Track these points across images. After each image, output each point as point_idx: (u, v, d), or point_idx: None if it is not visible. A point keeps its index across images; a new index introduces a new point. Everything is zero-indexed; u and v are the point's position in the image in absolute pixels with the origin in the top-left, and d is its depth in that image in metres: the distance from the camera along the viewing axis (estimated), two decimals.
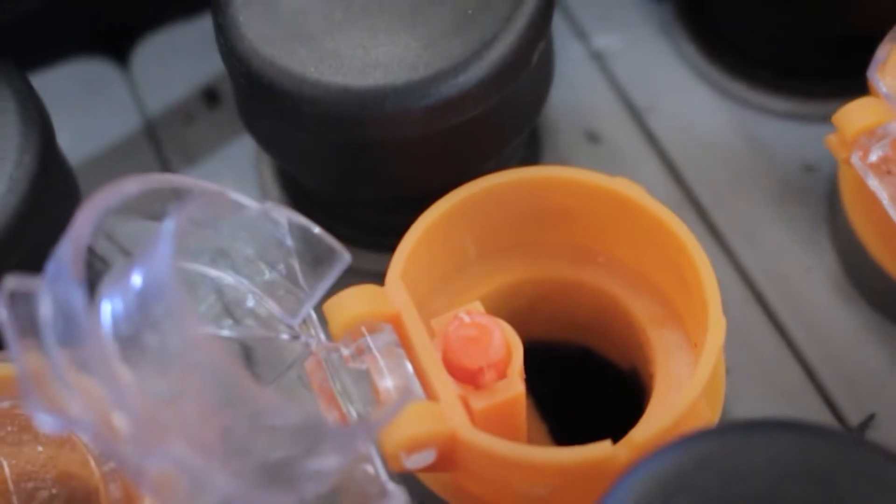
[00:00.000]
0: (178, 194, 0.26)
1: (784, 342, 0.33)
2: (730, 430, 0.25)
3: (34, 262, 0.25)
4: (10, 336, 0.23)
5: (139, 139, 0.38)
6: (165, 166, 0.37)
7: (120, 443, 0.23)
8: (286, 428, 0.24)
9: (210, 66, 0.37)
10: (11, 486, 0.27)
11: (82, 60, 0.39)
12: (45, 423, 0.22)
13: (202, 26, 0.37)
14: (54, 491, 0.27)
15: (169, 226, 0.24)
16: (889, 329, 0.33)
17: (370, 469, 0.27)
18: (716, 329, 0.28)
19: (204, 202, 0.26)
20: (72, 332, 0.23)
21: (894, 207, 0.30)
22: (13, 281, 0.23)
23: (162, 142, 0.38)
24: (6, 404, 0.28)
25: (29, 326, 0.23)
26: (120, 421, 0.23)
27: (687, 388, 0.28)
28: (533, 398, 0.34)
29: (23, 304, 0.23)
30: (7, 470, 0.27)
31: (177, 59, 0.39)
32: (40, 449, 0.28)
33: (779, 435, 0.25)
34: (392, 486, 0.26)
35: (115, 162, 0.37)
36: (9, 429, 0.28)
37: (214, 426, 0.24)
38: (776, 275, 0.34)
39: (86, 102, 0.38)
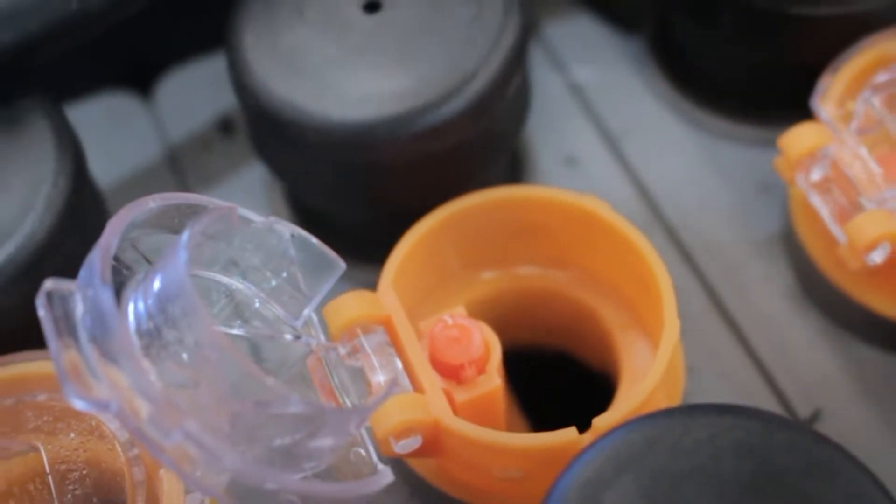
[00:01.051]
0: (193, 210, 0.30)
1: (742, 345, 0.37)
2: (676, 412, 0.29)
3: (69, 271, 0.29)
4: (49, 331, 0.26)
5: (161, 165, 0.41)
6: (185, 189, 0.41)
7: (142, 423, 0.26)
8: (289, 414, 0.28)
9: (225, 98, 0.41)
10: (48, 468, 0.31)
11: (110, 94, 0.42)
12: (80, 406, 0.26)
13: (218, 63, 0.40)
14: (84, 472, 0.31)
15: (185, 238, 0.28)
16: (838, 334, 0.37)
17: (363, 452, 0.30)
18: (670, 328, 0.32)
19: (216, 217, 0.29)
20: (101, 328, 0.26)
21: (835, 223, 0.34)
22: (50, 283, 0.27)
23: (182, 167, 0.41)
24: (43, 397, 0.31)
25: (64, 323, 0.27)
26: (142, 404, 0.26)
27: (644, 380, 0.31)
28: (516, 396, 0.38)
29: (59, 305, 0.27)
30: (44, 454, 0.31)
31: (195, 93, 0.42)
32: (73, 436, 0.31)
33: (718, 417, 0.28)
34: (381, 466, 0.30)
35: (140, 185, 0.41)
36: (45, 419, 0.31)
37: (225, 411, 0.27)
38: (736, 285, 0.38)
39: (113, 132, 0.42)
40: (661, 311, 0.32)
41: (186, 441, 0.26)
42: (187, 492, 0.29)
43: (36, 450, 0.31)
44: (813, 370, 0.36)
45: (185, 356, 0.27)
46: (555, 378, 0.38)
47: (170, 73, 0.43)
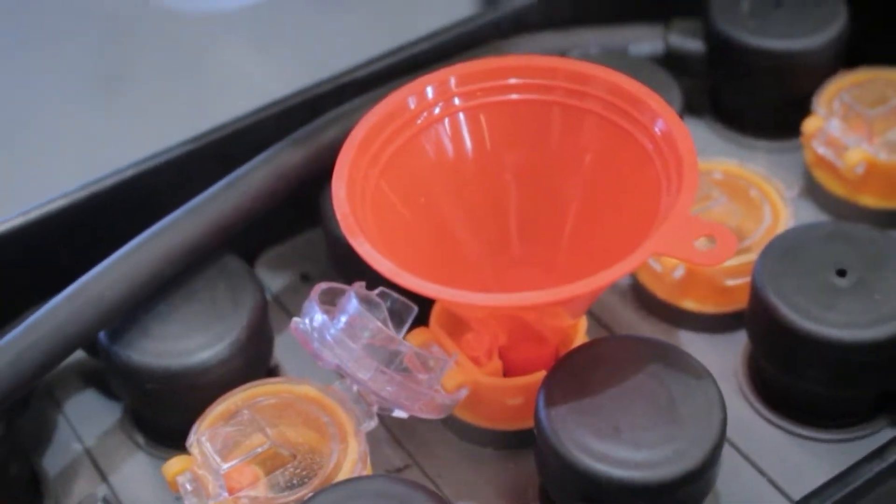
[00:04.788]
0: (336, 291, 0.59)
1: None
2: (605, 339, 0.59)
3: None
4: (303, 338, 0.56)
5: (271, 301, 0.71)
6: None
7: (346, 371, 0.55)
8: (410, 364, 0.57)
9: (305, 263, 0.71)
10: (272, 447, 0.58)
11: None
12: (320, 363, 0.55)
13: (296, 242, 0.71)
14: (295, 455, 0.58)
15: (351, 294, 0.57)
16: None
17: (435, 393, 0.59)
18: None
19: (354, 288, 0.59)
20: (324, 333, 0.56)
21: (836, 158, 0.66)
22: (295, 319, 0.56)
23: (282, 303, 0.71)
24: (273, 400, 0.59)
25: (306, 333, 0.56)
26: (350, 361, 0.55)
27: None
28: None
29: (300, 327, 0.56)
30: (272, 438, 0.58)
31: (286, 260, 0.72)
32: (296, 429, 0.58)
33: (631, 341, 0.59)
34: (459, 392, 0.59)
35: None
36: (283, 413, 0.59)
37: (375, 364, 0.56)
38: None
39: None
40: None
41: (374, 374, 0.55)
42: (360, 424, 0.57)
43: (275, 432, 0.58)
44: None
45: (359, 344, 0.56)
46: None
47: (267, 249, 0.73)
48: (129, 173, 0.66)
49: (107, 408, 0.66)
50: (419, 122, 0.59)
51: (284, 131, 0.66)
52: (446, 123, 0.60)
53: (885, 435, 0.60)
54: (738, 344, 0.66)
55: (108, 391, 0.66)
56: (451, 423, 0.63)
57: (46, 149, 1.07)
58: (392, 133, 0.58)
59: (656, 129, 0.57)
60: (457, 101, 0.60)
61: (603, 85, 0.59)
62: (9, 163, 1.05)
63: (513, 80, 0.60)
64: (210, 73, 1.17)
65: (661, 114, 0.57)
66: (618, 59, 0.72)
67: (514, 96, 0.60)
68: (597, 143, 0.60)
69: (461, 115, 0.60)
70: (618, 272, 0.52)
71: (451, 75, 0.60)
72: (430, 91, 0.60)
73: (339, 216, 0.55)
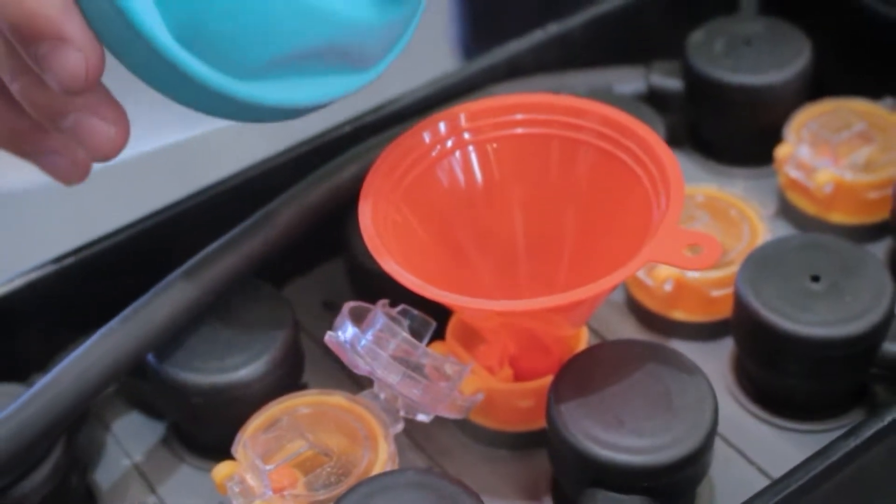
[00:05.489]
0: (362, 309, 0.66)
1: None
2: (606, 343, 0.66)
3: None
4: (338, 350, 0.62)
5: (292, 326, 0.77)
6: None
7: (377, 374, 0.62)
8: (431, 374, 0.64)
9: (327, 290, 0.77)
10: (312, 451, 0.64)
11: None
12: (354, 367, 0.62)
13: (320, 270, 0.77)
14: (331, 456, 0.64)
15: (378, 310, 0.64)
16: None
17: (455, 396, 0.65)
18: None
19: (378, 306, 0.65)
20: (357, 344, 0.62)
21: (806, 179, 0.72)
22: (330, 333, 0.63)
23: (307, 329, 0.77)
24: (306, 410, 0.65)
25: (341, 344, 0.62)
26: (380, 367, 0.62)
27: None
28: None
29: (335, 340, 0.63)
30: (310, 441, 0.64)
31: (308, 288, 0.79)
32: (330, 435, 0.65)
33: (630, 343, 0.65)
34: (476, 396, 0.65)
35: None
36: (320, 421, 0.65)
37: (402, 369, 0.63)
38: None
39: None
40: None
41: (403, 378, 0.62)
42: (388, 427, 0.64)
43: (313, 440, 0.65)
44: None
45: (387, 352, 0.63)
46: None
47: (291, 280, 0.80)
48: (183, 206, 0.74)
49: (150, 428, 0.72)
50: (433, 154, 0.66)
51: (303, 172, 0.73)
52: (457, 155, 0.67)
53: None
54: (725, 349, 0.73)
55: (149, 412, 0.72)
56: (467, 428, 0.69)
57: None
58: (410, 164, 0.65)
59: (643, 154, 0.64)
60: (466, 135, 0.66)
61: (595, 117, 0.66)
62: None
63: (517, 116, 0.67)
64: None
65: (647, 139, 0.64)
66: (605, 98, 0.79)
67: (519, 130, 0.67)
68: (591, 170, 0.67)
69: (471, 148, 0.67)
70: (614, 280, 0.59)
71: (461, 112, 0.67)
72: (442, 127, 0.67)
73: (366, 238, 0.62)
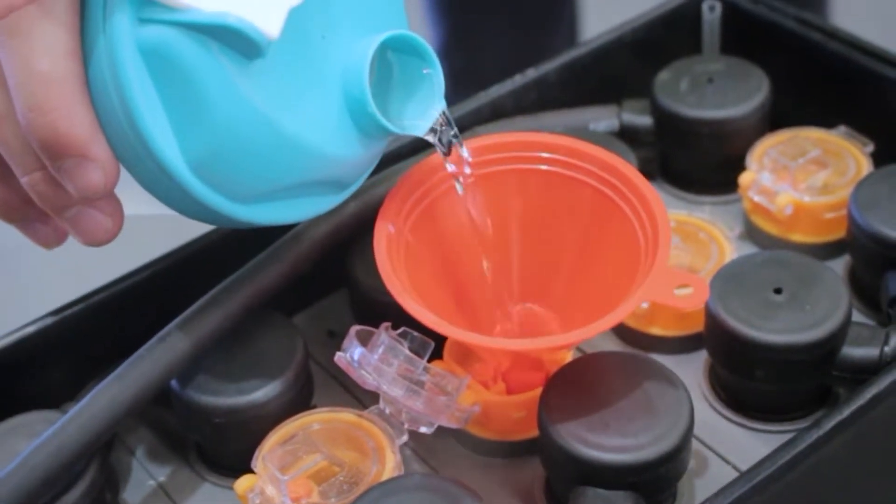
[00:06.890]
0: (367, 332, 0.72)
1: None
2: (591, 355, 0.72)
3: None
4: (347, 367, 0.68)
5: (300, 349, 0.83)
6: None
7: (383, 389, 0.68)
8: (430, 390, 0.70)
9: (330, 321, 0.84)
10: (326, 463, 0.70)
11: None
12: (362, 383, 0.68)
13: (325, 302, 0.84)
14: (343, 467, 0.70)
15: (382, 332, 0.70)
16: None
17: (454, 408, 0.71)
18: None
19: (382, 328, 0.72)
20: (365, 363, 0.68)
21: (768, 203, 0.79)
22: (340, 353, 0.69)
23: (313, 355, 0.83)
24: (318, 426, 0.72)
25: (350, 363, 0.69)
26: (385, 383, 0.68)
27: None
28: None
29: (345, 359, 0.69)
30: (324, 454, 0.70)
31: (313, 318, 0.85)
32: (341, 448, 0.71)
33: (613, 355, 0.72)
34: (473, 408, 0.71)
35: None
36: (323, 436, 0.72)
37: (406, 384, 0.69)
38: None
39: None
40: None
41: (406, 392, 0.68)
42: (394, 438, 0.70)
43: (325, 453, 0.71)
44: None
45: (393, 368, 0.69)
46: None
47: (297, 312, 0.86)
48: (195, 246, 0.81)
49: (171, 450, 0.78)
50: (441, 188, 0.73)
51: None
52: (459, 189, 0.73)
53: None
54: (699, 360, 0.79)
55: (170, 437, 0.78)
56: (465, 440, 0.76)
57: None
58: (419, 197, 0.72)
59: (633, 197, 0.71)
60: (468, 170, 0.73)
61: (593, 160, 0.73)
62: None
63: (518, 154, 0.74)
64: None
65: (637, 183, 0.71)
66: (581, 135, 0.86)
67: (528, 166, 0.74)
68: (587, 207, 0.74)
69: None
70: (612, 320, 0.66)
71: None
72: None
73: (382, 275, 0.68)
